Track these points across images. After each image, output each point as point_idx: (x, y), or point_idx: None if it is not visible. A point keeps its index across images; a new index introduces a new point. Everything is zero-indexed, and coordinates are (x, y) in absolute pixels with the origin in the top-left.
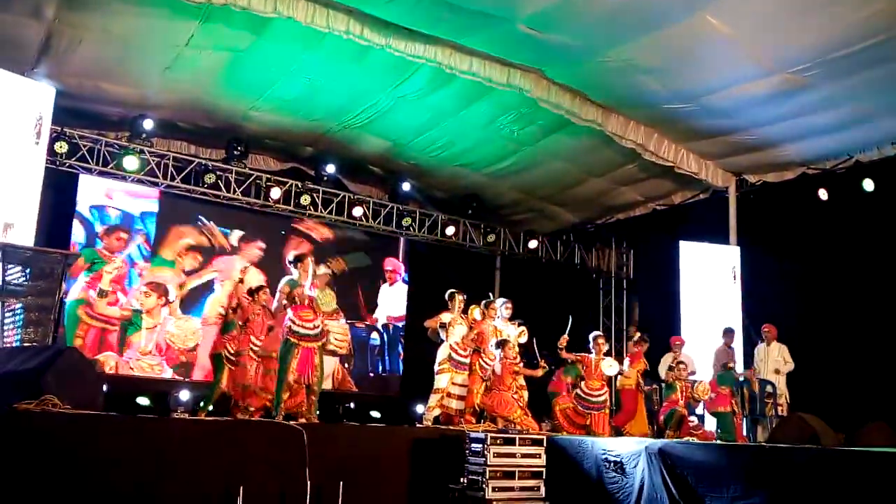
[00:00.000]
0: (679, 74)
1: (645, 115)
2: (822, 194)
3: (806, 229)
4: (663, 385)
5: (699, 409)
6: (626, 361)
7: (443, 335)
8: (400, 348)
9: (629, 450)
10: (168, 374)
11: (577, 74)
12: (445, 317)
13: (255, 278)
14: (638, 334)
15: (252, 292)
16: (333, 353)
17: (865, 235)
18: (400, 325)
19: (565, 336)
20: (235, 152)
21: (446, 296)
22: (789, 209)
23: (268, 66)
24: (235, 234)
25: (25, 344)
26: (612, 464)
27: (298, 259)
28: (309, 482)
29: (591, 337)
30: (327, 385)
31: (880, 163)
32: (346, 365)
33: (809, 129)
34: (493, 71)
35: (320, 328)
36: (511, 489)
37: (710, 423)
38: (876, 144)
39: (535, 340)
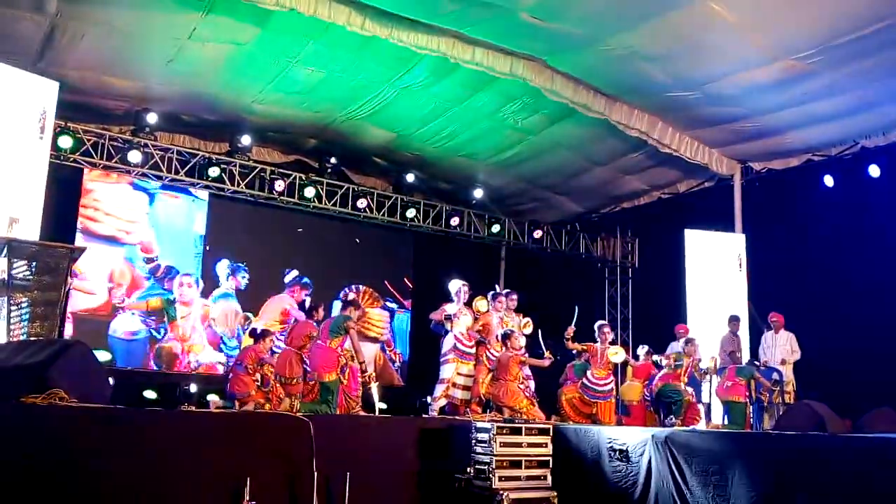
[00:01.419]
0: (682, 62)
1: (649, 104)
2: (828, 181)
3: (812, 216)
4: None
5: (705, 398)
6: (630, 371)
7: (447, 326)
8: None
9: (636, 438)
10: (217, 357)
11: (580, 63)
12: (450, 308)
13: None
14: (647, 347)
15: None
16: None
17: (871, 221)
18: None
19: (572, 326)
20: (239, 145)
21: (450, 286)
22: (795, 196)
23: (271, 59)
24: None
25: (32, 338)
26: (618, 452)
27: (354, 304)
28: (316, 473)
29: (596, 326)
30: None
31: (886, 148)
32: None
33: (814, 115)
34: (496, 60)
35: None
36: (518, 479)
37: (717, 411)
38: (882, 130)
39: (540, 331)
